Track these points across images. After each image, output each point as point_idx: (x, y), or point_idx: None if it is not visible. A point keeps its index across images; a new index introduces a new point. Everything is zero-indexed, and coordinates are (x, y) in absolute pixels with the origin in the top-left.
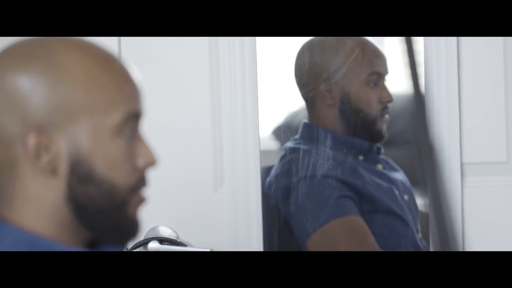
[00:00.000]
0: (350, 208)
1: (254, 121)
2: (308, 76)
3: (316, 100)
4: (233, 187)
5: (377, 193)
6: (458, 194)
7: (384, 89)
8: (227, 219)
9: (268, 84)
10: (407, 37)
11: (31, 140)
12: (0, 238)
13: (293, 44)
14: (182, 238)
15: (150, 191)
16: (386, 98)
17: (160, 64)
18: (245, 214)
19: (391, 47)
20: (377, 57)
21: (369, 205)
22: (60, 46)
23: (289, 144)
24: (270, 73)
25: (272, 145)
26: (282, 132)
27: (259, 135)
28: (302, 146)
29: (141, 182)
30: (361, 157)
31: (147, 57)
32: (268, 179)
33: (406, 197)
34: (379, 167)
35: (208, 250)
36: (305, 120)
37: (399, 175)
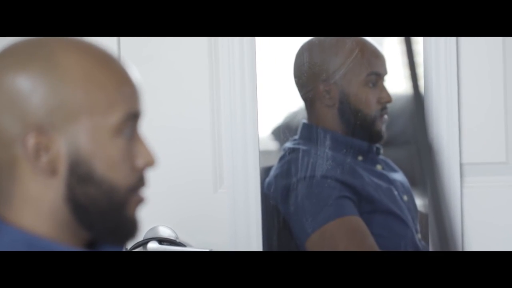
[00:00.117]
0: (349, 208)
1: (253, 121)
2: (307, 77)
3: (315, 101)
4: (233, 188)
5: (376, 194)
6: (457, 195)
7: (383, 89)
8: (227, 219)
9: (267, 84)
10: (407, 38)
11: (31, 140)
12: None
13: (293, 44)
14: (181, 238)
15: (149, 191)
16: (385, 98)
17: (159, 64)
18: (245, 215)
19: (390, 48)
20: (376, 57)
21: (368, 205)
22: (59, 47)
23: (288, 144)
24: (269, 73)
25: (272, 145)
26: (282, 132)
27: (258, 135)
28: (302, 147)
29: (140, 182)
30: (360, 158)
31: (146, 57)
32: (267, 180)
33: (405, 197)
34: (378, 167)
35: (207, 250)
36: (304, 121)
37: (398, 176)
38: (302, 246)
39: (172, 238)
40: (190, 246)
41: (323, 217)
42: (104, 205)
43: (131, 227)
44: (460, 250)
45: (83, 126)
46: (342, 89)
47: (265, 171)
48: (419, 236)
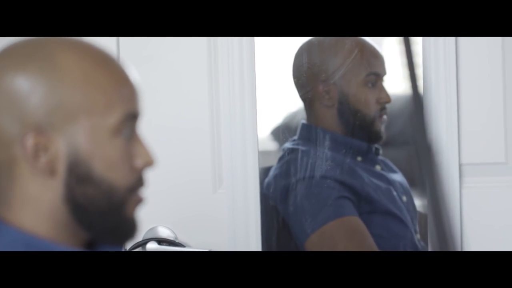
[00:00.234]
0: (348, 209)
1: (252, 121)
2: (306, 77)
3: (314, 101)
4: (232, 188)
5: (376, 194)
6: (457, 195)
7: (382, 89)
8: (226, 219)
9: (266, 85)
10: (406, 38)
11: (30, 141)
12: None
13: (292, 45)
14: (180, 239)
15: (148, 192)
16: (384, 98)
17: (158, 65)
18: (244, 215)
19: (389, 48)
20: (376, 57)
21: (368, 206)
22: (58, 47)
23: (288, 144)
24: (268, 73)
25: (271, 145)
26: (281, 132)
27: (257, 135)
28: (301, 147)
29: (139, 182)
30: (359, 158)
31: (145, 58)
32: (266, 180)
33: (404, 198)
34: (378, 168)
35: (206, 250)
36: (304, 121)
37: (398, 176)
38: (302, 247)
39: (171, 238)
40: (189, 246)
41: (323, 218)
42: (103, 205)
43: (130, 227)
44: (459, 250)
45: (82, 127)
46: (341, 89)
47: (264, 172)
48: (418, 236)
